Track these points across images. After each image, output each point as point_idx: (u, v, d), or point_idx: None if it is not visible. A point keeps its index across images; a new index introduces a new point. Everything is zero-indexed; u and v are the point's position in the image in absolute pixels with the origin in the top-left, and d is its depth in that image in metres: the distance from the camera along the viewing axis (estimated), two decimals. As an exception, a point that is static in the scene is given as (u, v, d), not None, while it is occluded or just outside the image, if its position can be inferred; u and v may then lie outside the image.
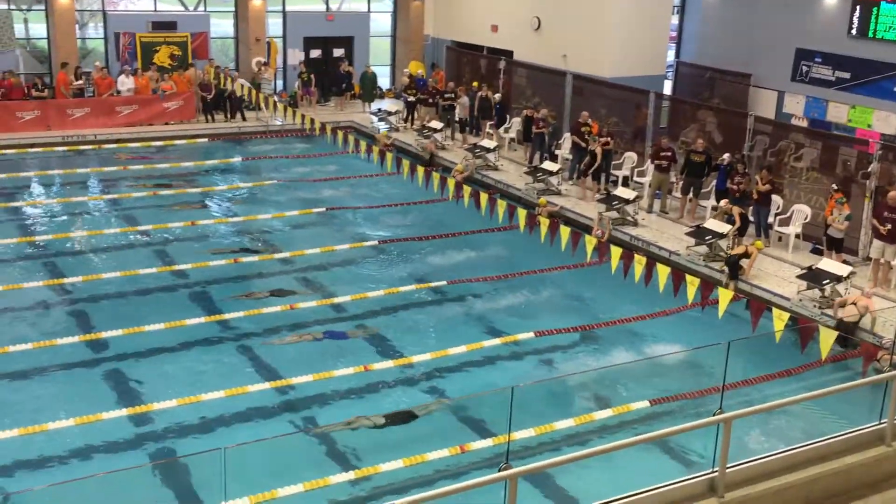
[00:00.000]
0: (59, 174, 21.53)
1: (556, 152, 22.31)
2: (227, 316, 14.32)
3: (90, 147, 23.75)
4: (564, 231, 15.60)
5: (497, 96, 24.76)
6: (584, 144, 20.65)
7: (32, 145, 23.23)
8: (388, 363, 13.06)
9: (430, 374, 12.89)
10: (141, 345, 13.19)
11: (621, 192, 19.12)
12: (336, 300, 15.22)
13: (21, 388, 12.05)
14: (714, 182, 18.86)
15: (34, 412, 11.26)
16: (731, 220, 16.98)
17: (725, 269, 15.79)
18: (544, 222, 16.18)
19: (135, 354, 12.95)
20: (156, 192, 20.50)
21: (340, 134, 21.56)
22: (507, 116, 25.05)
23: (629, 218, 18.67)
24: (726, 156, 18.53)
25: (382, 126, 26.02)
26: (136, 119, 25.10)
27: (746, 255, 15.78)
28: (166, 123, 25.47)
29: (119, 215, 19.08)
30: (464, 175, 16.98)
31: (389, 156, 20.06)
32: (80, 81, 25.18)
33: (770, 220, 17.67)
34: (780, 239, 17.60)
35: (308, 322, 14.36)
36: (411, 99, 26.83)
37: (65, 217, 18.78)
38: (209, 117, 26.08)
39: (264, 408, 11.76)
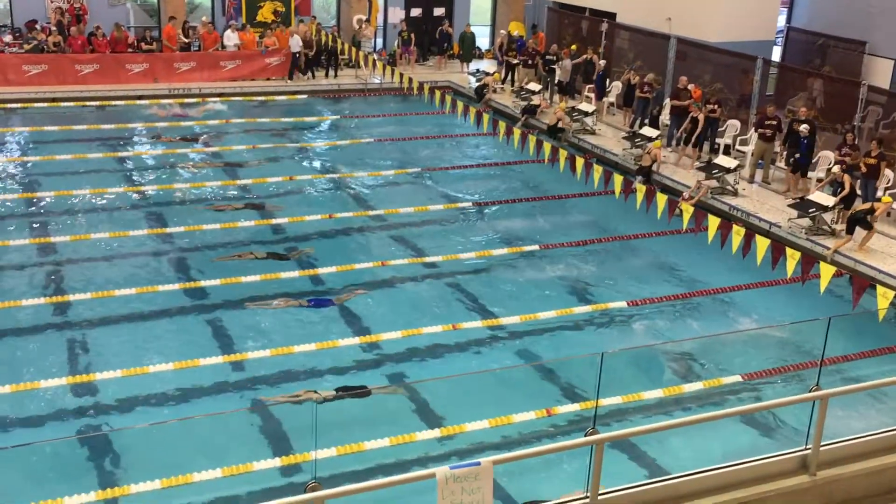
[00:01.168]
0: (165, 126, 22.06)
1: (656, 118, 21.84)
2: (319, 271, 14.56)
3: (194, 100, 24.29)
4: (661, 198, 15.30)
5: (602, 63, 24.23)
6: (687, 111, 20.13)
7: (140, 97, 23.92)
8: (477, 323, 13.10)
9: (519, 336, 12.87)
10: (237, 294, 13.52)
11: (722, 160, 18.61)
12: (427, 259, 15.29)
13: (125, 331, 12.49)
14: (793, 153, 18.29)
15: (136, 354, 11.70)
16: (838, 191, 16.36)
17: (843, 228, 15.38)
18: (641, 189, 15.92)
19: (230, 303, 13.29)
20: (255, 145, 20.86)
21: (438, 94, 21.51)
22: (608, 81, 24.56)
23: (729, 187, 18.18)
24: (804, 127, 17.81)
25: (476, 81, 25.81)
26: (239, 74, 25.56)
27: (872, 211, 15.29)
28: (268, 79, 25.86)
29: (220, 168, 19.49)
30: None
31: (486, 117, 19.93)
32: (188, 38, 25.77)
33: (879, 194, 16.98)
34: (888, 214, 16.90)
35: (400, 278, 14.49)
36: (514, 61, 26.50)
37: (167, 168, 19.28)
38: (310, 74, 26.35)
39: (358, 362, 11.95)
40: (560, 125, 21.86)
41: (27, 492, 8.92)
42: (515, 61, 26.50)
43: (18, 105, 22.73)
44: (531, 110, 23.36)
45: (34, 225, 15.91)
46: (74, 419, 10.46)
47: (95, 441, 9.88)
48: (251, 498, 9.00)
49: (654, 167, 19.08)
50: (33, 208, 16.66)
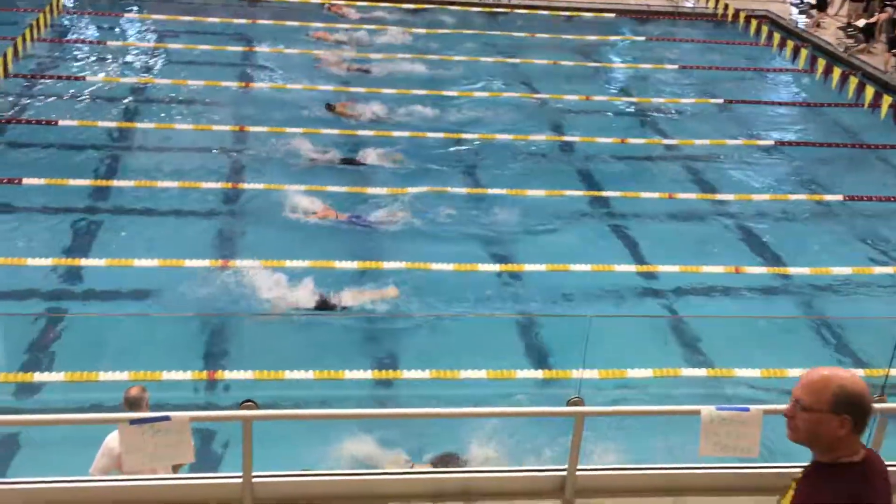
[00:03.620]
0: (473, 34, 22.44)
1: None
2: (605, 193, 14.44)
3: (504, 10, 24.52)
4: None
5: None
6: None
7: (452, 3, 24.46)
8: (762, 269, 12.50)
9: (805, 289, 12.15)
10: (523, 208, 13.74)
11: None
12: (718, 196, 14.70)
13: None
14: None
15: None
16: None
17: None
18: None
19: (514, 217, 13.55)
20: (556, 61, 20.79)
21: (754, 23, 20.27)
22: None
23: None
24: None
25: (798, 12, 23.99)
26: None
27: None
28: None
29: (518, 80, 19.66)
30: None
31: (804, 52, 18.55)
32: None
33: None
34: None
35: (686, 213, 14.07)
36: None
37: (467, 75, 19.68)
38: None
39: (633, 288, 11.85)
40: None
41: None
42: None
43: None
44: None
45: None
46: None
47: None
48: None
49: None
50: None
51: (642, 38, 23.46)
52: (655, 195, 14.44)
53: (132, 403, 7.00)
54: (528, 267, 12.15)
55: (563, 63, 20.80)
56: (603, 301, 11.46)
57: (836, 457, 3.63)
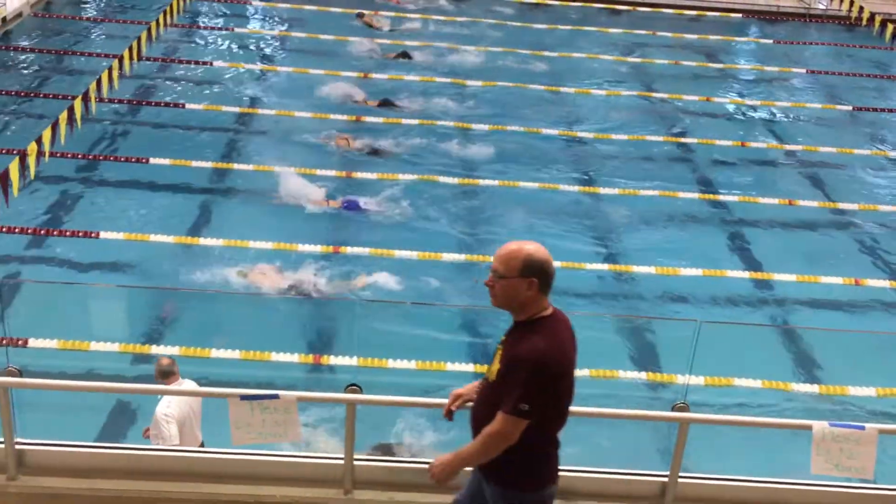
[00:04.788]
0: (593, 31, 22.22)
1: None
2: (721, 197, 14.12)
3: (626, 7, 24.17)
4: None
5: None
6: None
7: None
8: (885, 282, 12.03)
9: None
10: (629, 208, 13.54)
11: None
12: (841, 205, 14.16)
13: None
14: None
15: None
16: None
17: None
18: None
19: (623, 216, 13.38)
20: (678, 61, 20.37)
21: (890, 28, 19.43)
22: None
23: None
24: None
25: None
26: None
27: None
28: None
29: (638, 79, 19.36)
30: None
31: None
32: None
33: None
34: None
35: (804, 221, 13.61)
36: None
37: (583, 73, 19.49)
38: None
39: (742, 296, 11.57)
40: None
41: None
42: None
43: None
44: None
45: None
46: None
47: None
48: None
49: None
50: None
51: (770, 41, 22.73)
52: (774, 201, 14.03)
53: (166, 373, 7.24)
54: (636, 268, 11.99)
55: (685, 63, 20.35)
56: (713, 307, 11.22)
57: (531, 314, 4.38)
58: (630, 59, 20.44)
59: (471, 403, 4.72)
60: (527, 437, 4.32)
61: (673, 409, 5.35)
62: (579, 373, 9.59)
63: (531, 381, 4.23)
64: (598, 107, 17.57)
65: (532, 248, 4.37)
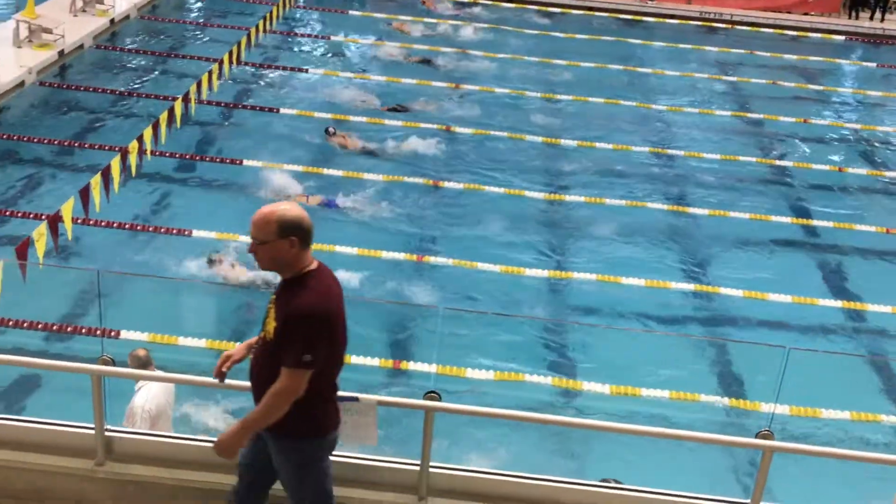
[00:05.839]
0: (689, 48, 21.93)
1: None
2: (814, 222, 13.77)
3: (723, 25, 23.79)
4: None
5: None
6: None
7: (672, 16, 23.97)
8: None
9: None
10: (718, 230, 13.30)
11: None
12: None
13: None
14: None
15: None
16: None
17: None
18: None
19: (712, 238, 13.15)
20: (775, 81, 19.94)
21: None
22: None
23: None
24: None
25: None
26: (776, 4, 24.45)
27: None
28: (805, 14, 24.43)
29: (732, 98, 19.02)
30: None
31: None
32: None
33: None
34: None
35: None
36: None
37: (677, 90, 19.22)
38: (853, 14, 24.37)
39: (830, 324, 11.25)
40: None
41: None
42: None
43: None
44: None
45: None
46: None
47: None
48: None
49: None
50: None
51: (873, 64, 22.08)
52: (871, 228, 13.61)
53: (144, 364, 7.18)
54: (723, 290, 11.76)
55: (783, 84, 19.92)
56: (802, 334, 10.93)
57: (299, 270, 4.49)
58: (726, 78, 20.10)
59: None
60: (309, 387, 4.45)
61: (757, 437, 5.23)
62: (659, 393, 9.54)
63: (310, 332, 4.37)
64: (690, 125, 17.32)
65: (285, 206, 4.51)
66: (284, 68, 18.21)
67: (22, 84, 15.51)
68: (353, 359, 9.77)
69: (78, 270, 11.10)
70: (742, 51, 21.91)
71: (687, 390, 9.66)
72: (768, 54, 21.74)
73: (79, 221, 11.04)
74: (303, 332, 4.38)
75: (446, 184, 14.02)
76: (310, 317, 4.39)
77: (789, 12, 24.39)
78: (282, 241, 4.42)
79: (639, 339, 10.66)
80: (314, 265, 4.55)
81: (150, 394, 7.25)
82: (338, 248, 11.79)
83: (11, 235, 11.22)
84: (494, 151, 15.33)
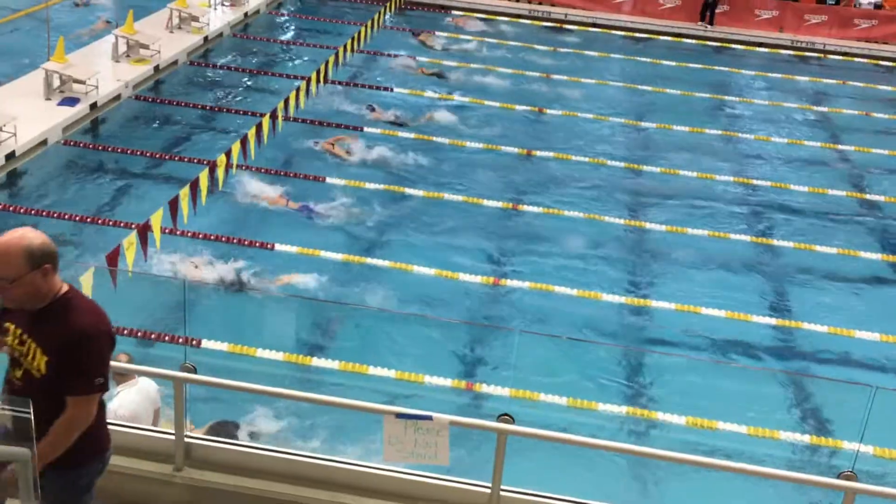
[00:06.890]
0: (778, 77, 21.53)
1: None
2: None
3: (815, 54, 23.31)
4: None
5: None
6: None
7: (760, 44, 23.59)
8: None
9: None
10: (804, 263, 13.01)
11: None
12: None
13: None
14: None
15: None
16: None
17: None
18: None
19: (797, 271, 12.86)
20: (869, 112, 19.41)
21: None
22: None
23: None
24: None
25: None
26: (873, 34, 23.87)
27: None
28: (901, 44, 23.82)
29: (822, 129, 18.58)
30: None
31: None
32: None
33: None
34: None
35: None
36: None
37: (767, 120, 18.86)
38: (951, 45, 23.66)
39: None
40: None
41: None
42: None
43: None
44: None
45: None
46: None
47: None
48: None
49: None
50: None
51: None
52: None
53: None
54: (806, 325, 11.47)
55: (876, 115, 19.40)
56: (885, 374, 10.58)
57: (51, 297, 4.18)
58: (816, 108, 19.67)
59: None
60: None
61: (839, 477, 5.08)
62: (737, 427, 9.34)
63: (94, 354, 4.19)
64: (777, 155, 16.98)
65: (26, 236, 4.10)
66: (371, 87, 18.43)
67: (118, 97, 16.05)
68: (425, 378, 9.85)
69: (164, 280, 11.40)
70: (833, 81, 21.43)
71: (767, 426, 9.43)
72: (861, 84, 21.23)
73: (167, 231, 11.34)
74: (90, 355, 4.19)
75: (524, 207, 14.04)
76: (94, 337, 4.21)
77: (886, 42, 23.76)
78: (35, 273, 4.09)
79: (718, 371, 10.47)
80: (66, 287, 4.27)
81: (126, 399, 7.16)
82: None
83: (104, 242, 11.57)
84: (572, 176, 15.30)
